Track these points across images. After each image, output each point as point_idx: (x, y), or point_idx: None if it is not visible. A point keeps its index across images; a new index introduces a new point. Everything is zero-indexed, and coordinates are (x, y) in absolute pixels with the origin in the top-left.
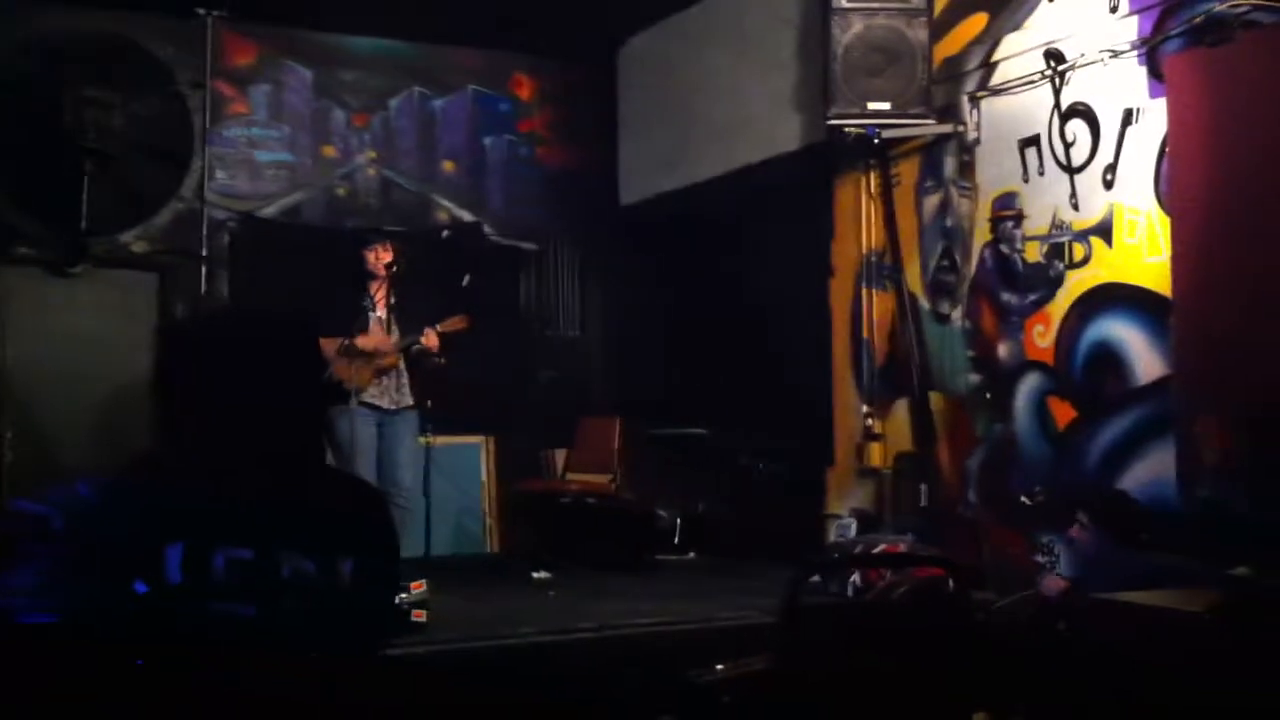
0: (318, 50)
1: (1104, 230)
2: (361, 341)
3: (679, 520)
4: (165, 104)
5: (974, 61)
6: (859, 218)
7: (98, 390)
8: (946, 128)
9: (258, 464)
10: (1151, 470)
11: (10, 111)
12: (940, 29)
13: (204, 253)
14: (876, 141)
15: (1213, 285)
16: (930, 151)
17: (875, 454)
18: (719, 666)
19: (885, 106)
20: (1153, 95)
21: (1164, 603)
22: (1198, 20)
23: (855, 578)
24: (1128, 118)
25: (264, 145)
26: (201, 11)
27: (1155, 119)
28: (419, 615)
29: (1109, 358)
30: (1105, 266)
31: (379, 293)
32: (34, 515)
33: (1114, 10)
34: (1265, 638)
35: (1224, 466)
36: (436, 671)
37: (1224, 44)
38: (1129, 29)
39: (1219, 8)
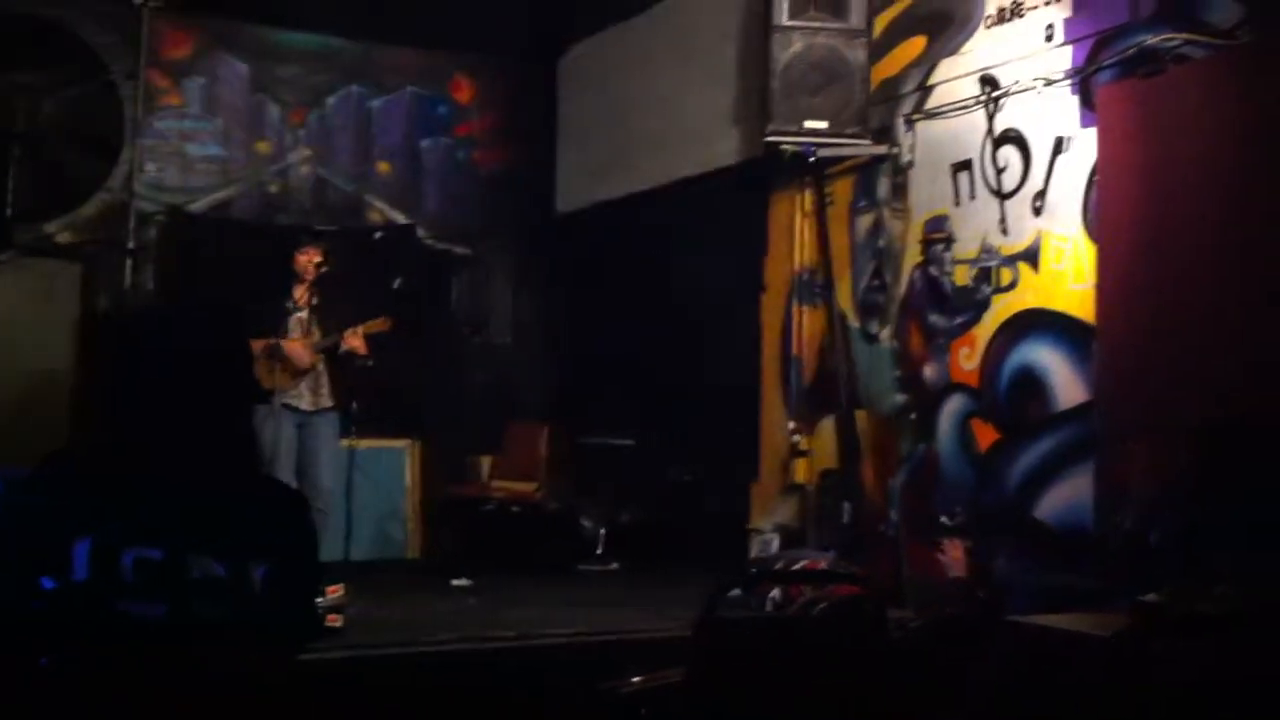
0: (256, 44)
1: (1031, 256)
2: (284, 342)
3: (603, 529)
4: (97, 93)
5: (911, 84)
6: (792, 235)
7: (16, 380)
8: (881, 149)
9: (176, 461)
10: (1070, 494)
11: None
12: (879, 50)
13: (130, 245)
14: (812, 160)
15: (1134, 313)
16: (865, 172)
17: (801, 470)
18: (636, 678)
19: (822, 125)
20: (1084, 124)
21: (1074, 626)
22: (1130, 52)
23: (776, 593)
24: (1058, 146)
25: (196, 138)
26: (136, 2)
27: (1085, 148)
28: (334, 620)
29: (1032, 382)
30: (1031, 291)
31: (304, 293)
32: None
33: (1049, 39)
34: (1167, 662)
35: (1139, 492)
36: (351, 677)
37: (1155, 76)
38: (1063, 58)
39: (1151, 40)
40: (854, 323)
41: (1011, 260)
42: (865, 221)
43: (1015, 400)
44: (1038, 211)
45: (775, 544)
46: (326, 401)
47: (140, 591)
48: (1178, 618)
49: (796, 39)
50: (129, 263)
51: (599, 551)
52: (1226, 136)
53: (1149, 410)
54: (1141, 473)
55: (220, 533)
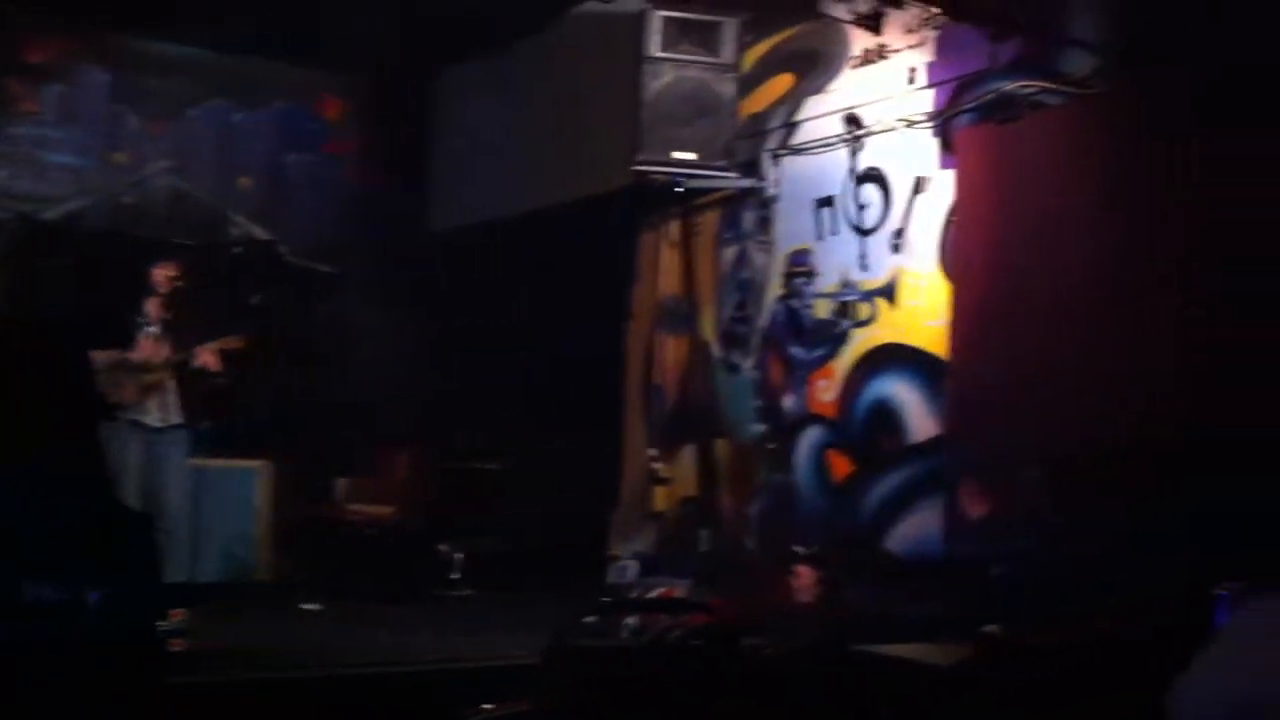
0: (119, 53)
1: (889, 292)
2: (133, 357)
3: (461, 555)
4: None
5: (778, 120)
6: (659, 264)
7: None
8: (748, 182)
9: (12, 479)
10: (921, 525)
11: None
12: (748, 85)
13: None
14: (680, 191)
15: (985, 350)
16: (731, 204)
17: (661, 497)
18: (486, 706)
19: (691, 157)
20: (942, 166)
21: (918, 656)
22: (989, 98)
23: (633, 621)
24: (918, 185)
25: (52, 146)
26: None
27: (943, 188)
28: (177, 644)
29: (887, 415)
30: (888, 327)
31: (157, 307)
32: None
33: (912, 82)
34: (999, 692)
35: (983, 524)
36: (193, 703)
37: (1011, 122)
38: (924, 101)
39: (1009, 87)
40: (717, 352)
41: (870, 295)
42: (731, 253)
43: (871, 432)
44: (896, 249)
45: (633, 571)
46: (176, 419)
47: None
48: (1016, 649)
49: (667, 71)
50: None
51: (456, 577)
52: (1078, 181)
53: (994, 445)
54: (986, 506)
55: (54, 555)
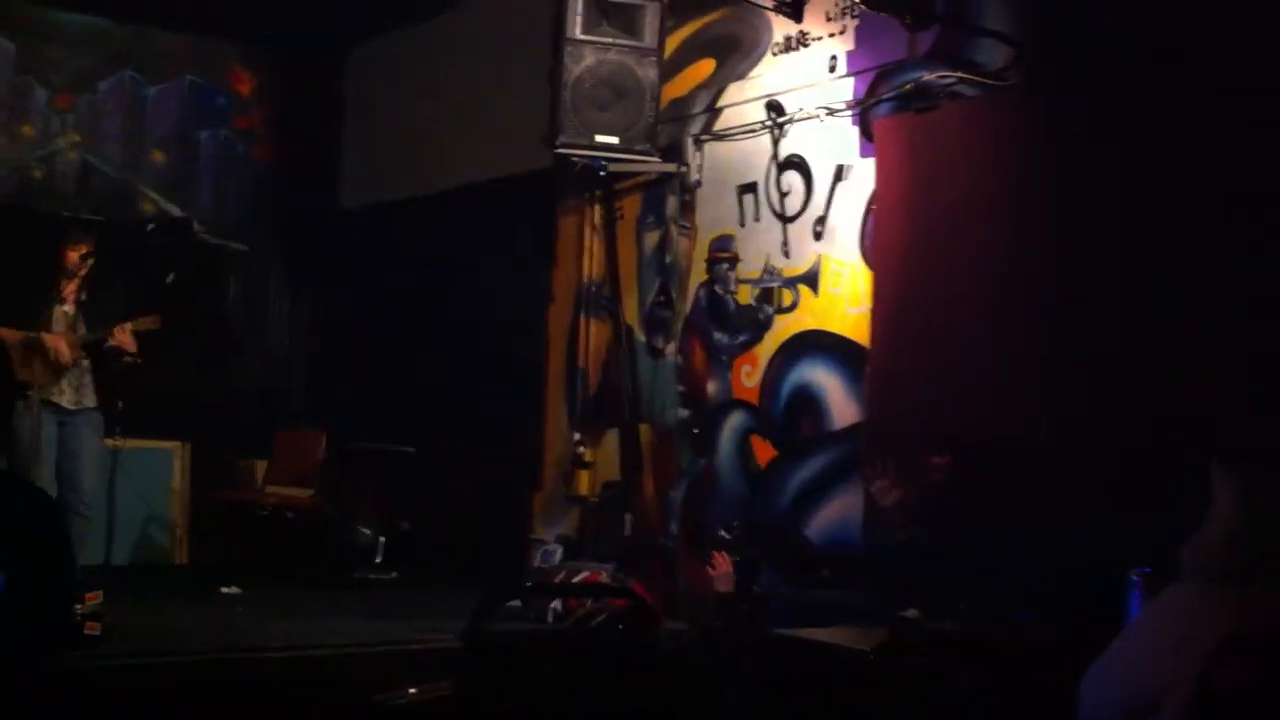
0: (23, 22)
1: (811, 279)
2: (45, 336)
3: (381, 538)
4: None
5: (700, 105)
6: (581, 247)
7: None
8: (670, 167)
9: None
10: (841, 511)
11: None
12: (669, 70)
13: None
14: (602, 174)
15: (901, 337)
16: (653, 189)
17: (583, 481)
18: (410, 690)
19: (612, 140)
20: (863, 154)
21: (838, 640)
22: (907, 87)
23: (556, 605)
24: (839, 173)
25: None
26: None
27: (864, 176)
28: (92, 627)
29: (809, 401)
30: (810, 314)
31: (70, 286)
32: None
33: (832, 70)
34: (917, 676)
35: (902, 511)
36: (109, 687)
37: (929, 111)
38: (845, 89)
39: (927, 77)
40: (640, 337)
41: (792, 282)
42: (653, 238)
43: (792, 418)
44: (818, 236)
45: (558, 555)
46: (90, 400)
47: None
48: (929, 634)
49: (588, 53)
50: None
51: (378, 560)
52: (994, 170)
53: (909, 430)
54: (900, 490)
55: None
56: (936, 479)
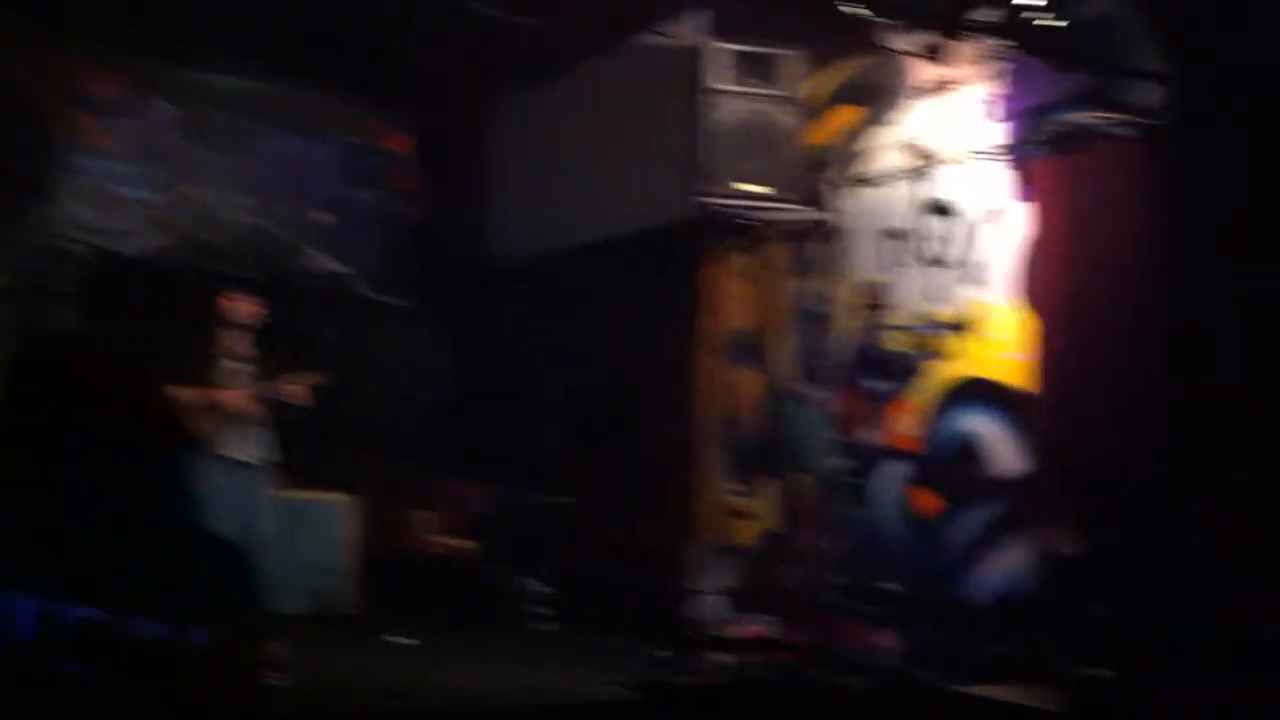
0: (188, 87)
1: (964, 324)
2: (219, 392)
3: (542, 589)
4: (24, 133)
5: (844, 151)
6: (727, 297)
7: None
8: (814, 214)
9: (119, 516)
10: (1006, 560)
11: None
12: (813, 117)
13: (55, 286)
14: (746, 223)
15: (1069, 381)
16: (799, 237)
17: (740, 532)
18: None
19: (754, 189)
20: (1013, 197)
21: (1015, 698)
22: (1059, 129)
23: (718, 656)
24: (989, 216)
25: (125, 180)
26: (70, 42)
27: (1015, 219)
28: (273, 677)
29: (967, 448)
30: (964, 360)
31: (240, 342)
32: None
33: (981, 113)
34: None
35: (1078, 562)
36: None
37: (1082, 152)
38: (995, 132)
39: (1079, 118)
40: (790, 386)
41: (943, 328)
42: (801, 285)
43: (951, 467)
44: (968, 281)
45: (717, 606)
46: (264, 453)
47: (80, 652)
48: (1126, 694)
49: (729, 103)
50: (53, 304)
51: (538, 611)
52: (1149, 209)
53: (1080, 475)
54: (1073, 538)
55: (161, 591)
56: (1107, 526)
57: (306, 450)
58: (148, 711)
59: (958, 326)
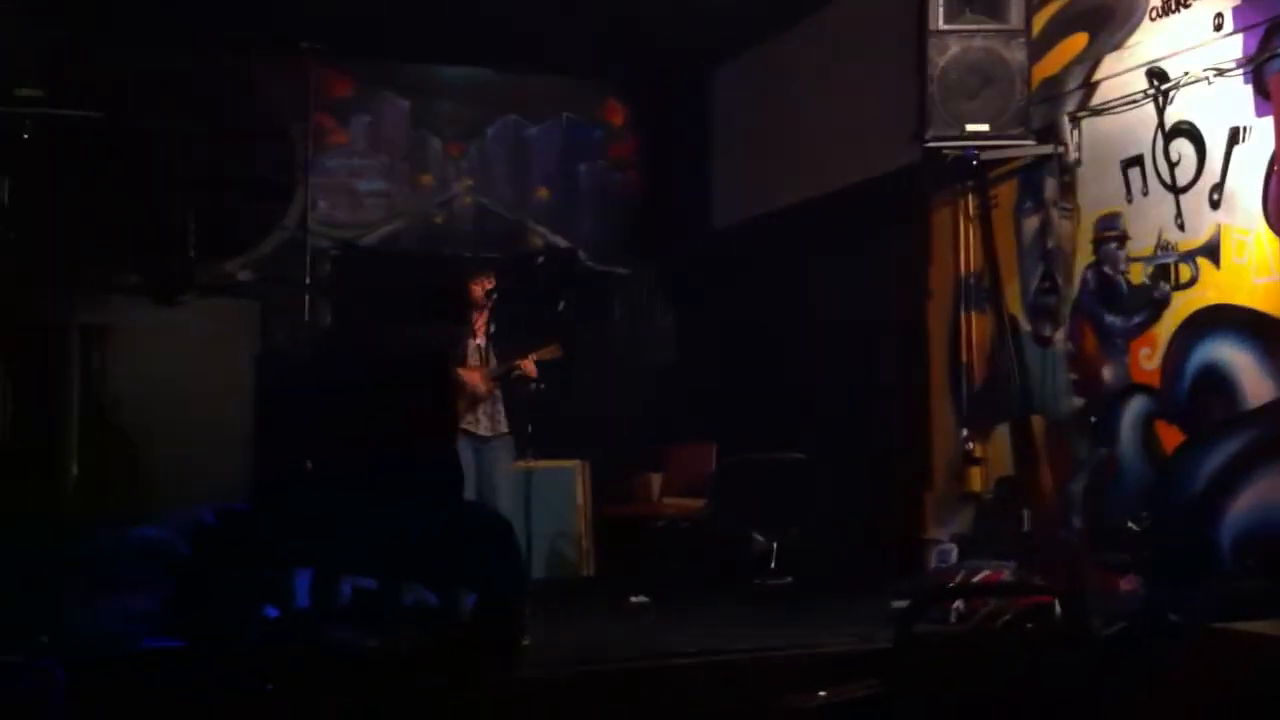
0: (414, 81)
1: (1211, 251)
2: (462, 371)
3: (774, 544)
4: (269, 136)
5: (1074, 81)
6: (956, 240)
7: (200, 415)
8: (1046, 149)
9: (387, 490)
10: (1261, 495)
11: (120, 144)
12: (1039, 49)
13: (307, 280)
14: (975, 163)
15: None
16: (1029, 173)
17: (975, 478)
18: (821, 693)
19: (983, 128)
20: (1259, 113)
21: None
22: None
23: (959, 605)
24: (1234, 136)
25: (363, 175)
26: (304, 46)
27: (1262, 137)
28: (524, 640)
29: (1217, 380)
30: (1212, 288)
31: (479, 321)
32: (158, 541)
33: (1218, 29)
34: None
35: None
36: (536, 698)
37: None
38: (1234, 47)
39: None
40: (1025, 326)
41: (1190, 256)
42: (1032, 223)
43: (1200, 400)
44: (1215, 205)
45: (953, 555)
46: (503, 427)
47: (356, 620)
48: None
49: (953, 43)
50: (306, 298)
51: (771, 566)
52: None
53: None
54: None
55: (432, 561)
56: None
57: (542, 420)
58: (418, 672)
59: (1202, 253)
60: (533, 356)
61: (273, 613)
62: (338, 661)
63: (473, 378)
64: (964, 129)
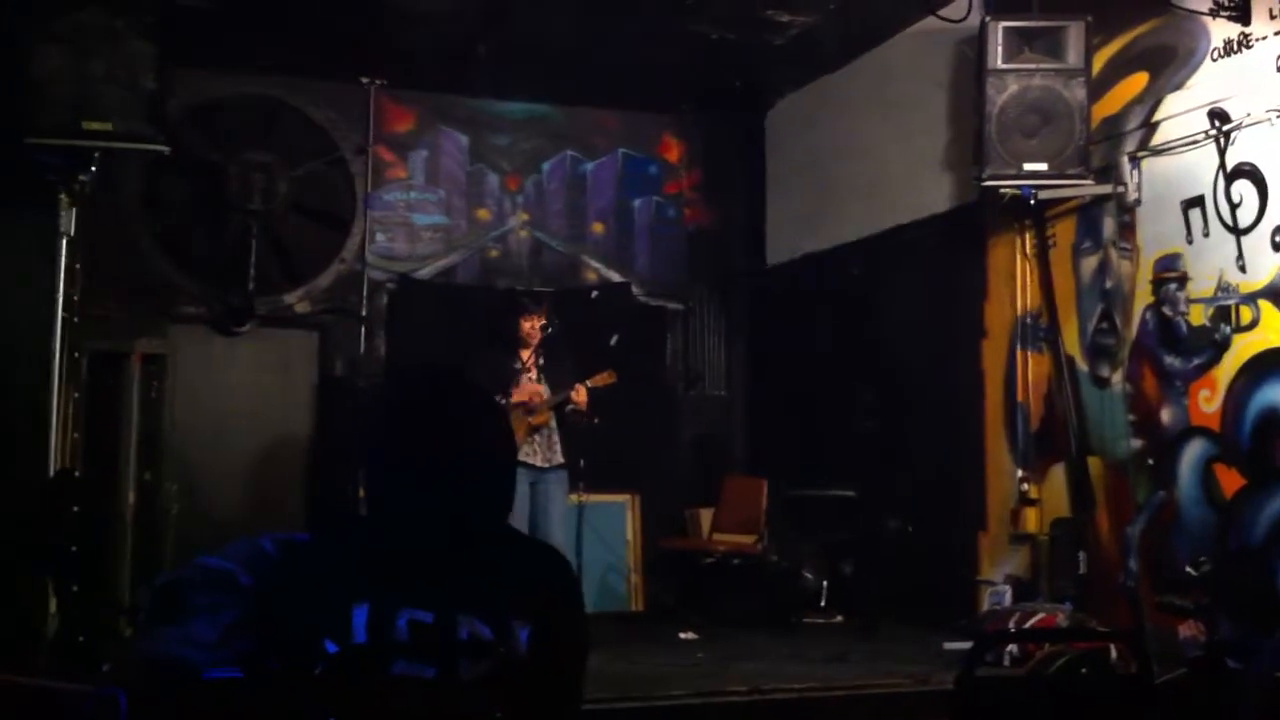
0: (472, 116)
1: (1273, 293)
2: (516, 399)
3: (825, 582)
4: (329, 169)
5: (1134, 121)
6: (1013, 279)
7: (258, 445)
8: (1106, 188)
9: (444, 525)
10: None
11: (181, 176)
12: (1099, 88)
13: (364, 312)
14: (1032, 202)
15: None
16: (1088, 212)
17: (1030, 519)
18: None
19: (1041, 167)
20: None
21: None
22: None
23: (1013, 647)
24: None
25: (421, 208)
26: (364, 80)
27: None
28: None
29: (1278, 424)
30: (1274, 330)
31: (530, 356)
32: (219, 571)
33: None
34: None
35: None
36: None
37: None
38: None
39: None
40: (1082, 367)
41: (1251, 298)
42: (1090, 263)
43: (1261, 444)
44: (1277, 247)
45: (1007, 596)
46: (558, 458)
47: (413, 653)
48: None
49: (1012, 81)
50: (363, 330)
51: (822, 604)
52: None
53: None
54: None
55: (486, 593)
56: None
57: (595, 453)
58: (477, 710)
59: (1264, 295)
60: (589, 382)
61: (332, 647)
62: (395, 693)
63: (526, 408)
64: (1022, 168)
